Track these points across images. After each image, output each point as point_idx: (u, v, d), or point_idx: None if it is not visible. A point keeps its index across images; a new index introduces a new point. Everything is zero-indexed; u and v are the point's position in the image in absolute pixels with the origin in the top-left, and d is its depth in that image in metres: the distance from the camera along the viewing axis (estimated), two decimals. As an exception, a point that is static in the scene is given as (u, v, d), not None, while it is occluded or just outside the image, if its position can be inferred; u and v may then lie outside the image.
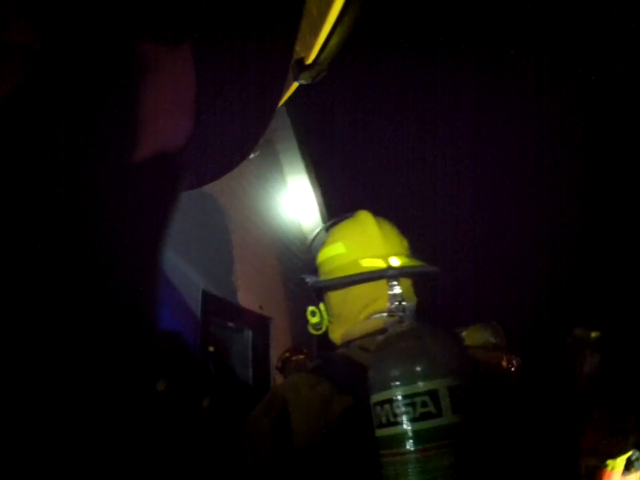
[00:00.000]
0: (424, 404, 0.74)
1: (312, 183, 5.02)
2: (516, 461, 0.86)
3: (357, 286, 1.04)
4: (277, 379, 2.57)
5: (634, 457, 1.48)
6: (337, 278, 1.05)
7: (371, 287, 1.03)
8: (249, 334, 3.45)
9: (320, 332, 1.11)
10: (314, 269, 1.13)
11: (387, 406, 0.77)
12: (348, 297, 1.05)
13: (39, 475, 0.41)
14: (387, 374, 0.78)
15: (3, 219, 0.42)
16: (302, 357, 2.50)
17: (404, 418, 0.75)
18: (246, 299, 3.36)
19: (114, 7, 0.49)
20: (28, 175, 0.44)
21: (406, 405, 0.75)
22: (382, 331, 0.95)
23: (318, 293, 1.11)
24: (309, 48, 0.75)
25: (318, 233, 1.18)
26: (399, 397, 0.76)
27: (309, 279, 1.11)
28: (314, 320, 1.09)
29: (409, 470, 0.73)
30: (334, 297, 1.08)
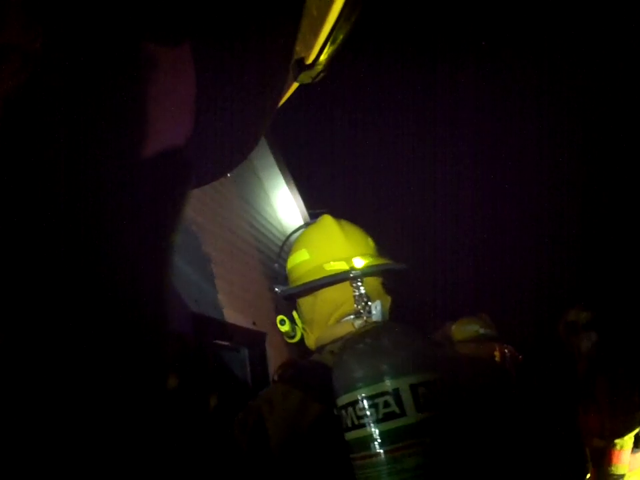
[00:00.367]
0: (386, 404, 0.73)
1: (295, 197, 5.05)
2: (510, 453, 0.85)
3: (324, 290, 1.04)
4: None
5: None
6: (302, 284, 1.06)
7: (337, 290, 1.03)
8: (245, 352, 3.46)
9: (294, 340, 1.11)
10: (285, 279, 1.13)
11: (350, 409, 0.76)
12: (317, 302, 1.06)
13: (44, 474, 0.41)
14: (348, 376, 0.77)
15: (3, 220, 0.42)
16: None
17: (368, 419, 0.73)
18: (238, 317, 3.36)
19: (114, 7, 0.49)
20: (28, 175, 0.44)
21: (369, 407, 0.74)
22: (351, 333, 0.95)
23: (290, 302, 1.11)
24: (309, 48, 0.75)
25: (285, 242, 1.19)
26: (362, 399, 0.74)
27: (278, 289, 1.11)
28: (284, 328, 1.09)
29: (379, 472, 0.72)
30: (304, 303, 1.09)
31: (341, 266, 1.03)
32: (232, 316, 3.23)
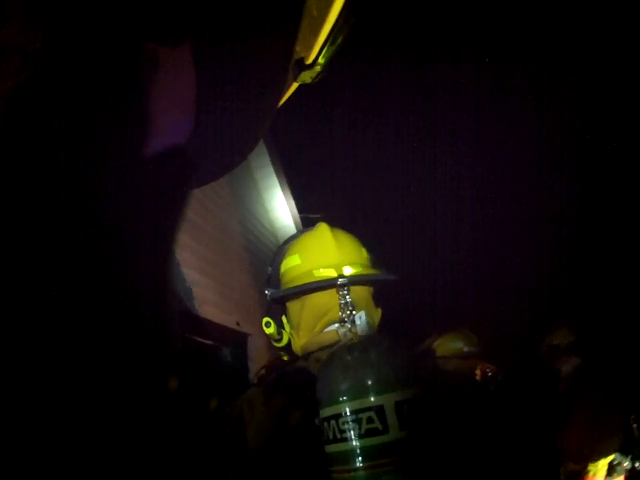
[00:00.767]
0: (369, 420, 0.72)
1: (288, 199, 5.05)
2: (487, 470, 0.85)
3: (311, 296, 1.04)
4: None
5: (615, 462, 1.48)
6: (290, 288, 1.06)
7: (323, 297, 1.03)
8: (227, 352, 3.44)
9: (281, 344, 1.11)
10: (276, 283, 1.14)
11: (333, 422, 0.75)
12: (304, 307, 1.06)
13: (44, 474, 0.41)
14: (333, 388, 0.77)
15: (4, 220, 0.42)
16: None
17: (350, 434, 0.73)
18: (223, 316, 3.35)
19: (114, 7, 0.49)
20: (28, 175, 0.43)
21: (352, 421, 0.73)
22: (338, 343, 0.95)
23: (280, 306, 1.12)
24: (309, 48, 0.75)
25: (280, 247, 1.19)
26: (346, 413, 0.74)
27: (268, 292, 1.12)
28: (269, 331, 1.09)
29: None
30: (292, 307, 1.09)
31: (330, 273, 1.04)
32: (217, 315, 3.22)
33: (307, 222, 5.32)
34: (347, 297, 0.99)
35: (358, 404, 0.73)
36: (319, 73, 0.80)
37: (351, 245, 1.10)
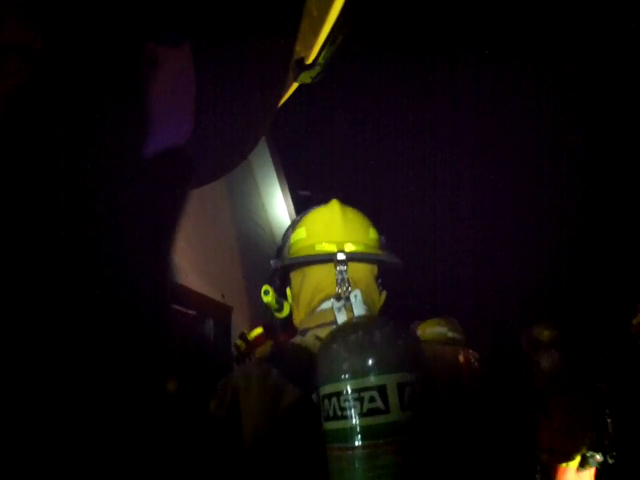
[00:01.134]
0: (372, 399, 0.72)
1: (279, 174, 5.00)
2: (467, 458, 0.85)
3: (311, 269, 1.05)
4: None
5: (589, 454, 1.49)
6: (291, 259, 1.07)
7: (322, 271, 1.04)
8: (210, 323, 3.43)
9: (281, 315, 1.11)
10: (285, 254, 1.14)
11: (334, 399, 0.75)
12: (304, 280, 1.07)
13: (44, 474, 0.41)
14: (335, 366, 0.76)
15: (3, 220, 0.42)
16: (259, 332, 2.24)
17: (351, 412, 0.72)
18: (208, 287, 3.34)
19: (114, 6, 0.49)
20: (28, 175, 0.44)
21: (354, 400, 0.73)
22: (336, 321, 0.95)
23: (285, 277, 1.12)
24: (309, 48, 0.75)
25: (293, 221, 1.20)
26: (347, 391, 0.74)
27: (272, 262, 1.12)
28: (267, 299, 1.10)
29: (354, 466, 0.71)
30: (294, 280, 1.10)
31: (330, 248, 1.04)
32: (201, 286, 3.20)
33: (297, 200, 5.29)
34: (344, 273, 0.99)
35: (360, 382, 0.73)
36: (319, 73, 0.80)
37: (357, 223, 1.10)
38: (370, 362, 0.74)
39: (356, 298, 0.91)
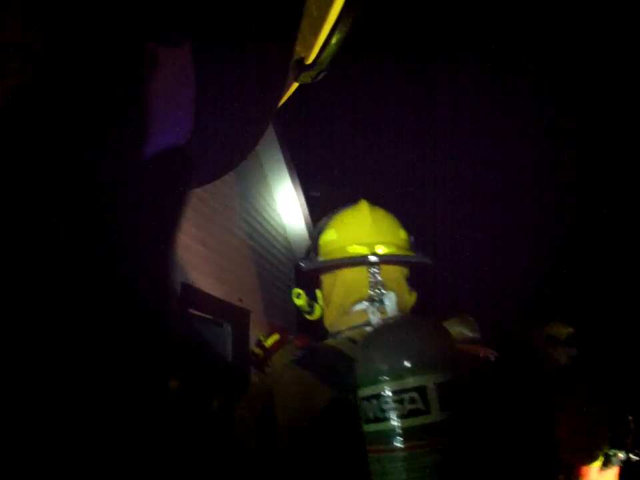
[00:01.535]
0: (412, 400, 0.72)
1: (292, 178, 5.01)
2: (498, 458, 0.85)
3: (343, 272, 1.05)
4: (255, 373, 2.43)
5: (611, 452, 1.48)
6: (322, 261, 1.07)
7: (354, 273, 1.04)
8: (228, 327, 3.43)
9: (312, 317, 1.11)
10: (314, 256, 1.14)
11: (374, 401, 0.75)
12: (336, 282, 1.06)
13: (44, 475, 0.41)
14: (374, 368, 0.77)
15: (3, 220, 0.42)
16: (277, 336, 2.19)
17: (392, 414, 0.73)
18: (225, 291, 3.35)
19: (114, 6, 0.49)
20: (28, 175, 0.44)
21: (394, 401, 0.73)
22: (369, 322, 0.94)
23: (313, 279, 1.12)
24: (309, 48, 0.75)
25: (322, 220, 1.20)
26: (387, 393, 0.74)
27: (303, 264, 1.12)
28: (299, 302, 1.10)
29: (396, 467, 0.72)
30: (325, 282, 1.10)
31: (362, 250, 1.04)
32: (218, 289, 3.21)
33: (311, 201, 5.29)
34: (378, 275, 0.99)
35: (401, 384, 0.74)
36: (319, 73, 0.80)
37: (387, 225, 1.10)
38: (410, 363, 0.74)
39: (390, 300, 0.91)
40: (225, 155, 0.74)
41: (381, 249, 1.03)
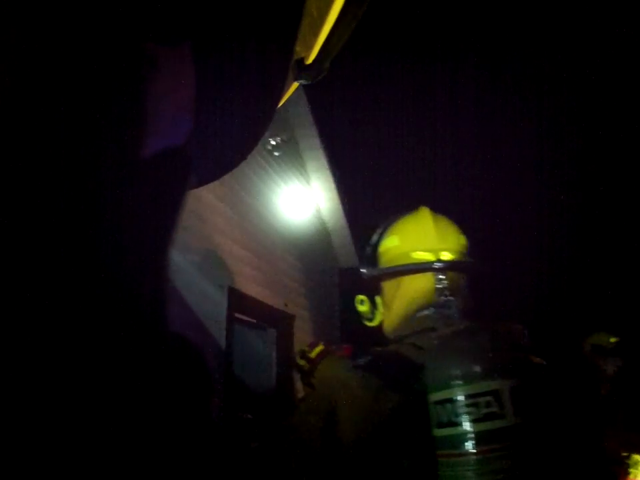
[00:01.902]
0: (488, 404, 0.73)
1: (336, 185, 5.01)
2: (562, 462, 0.85)
3: (407, 278, 1.06)
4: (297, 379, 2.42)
5: None
6: (387, 268, 1.07)
7: (419, 280, 1.05)
8: (273, 332, 3.44)
9: (372, 323, 1.12)
10: (373, 262, 1.14)
11: (448, 405, 0.75)
12: (399, 288, 1.07)
13: (44, 475, 0.41)
14: (448, 373, 0.77)
15: (3, 221, 0.42)
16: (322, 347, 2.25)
17: (467, 418, 0.73)
18: (271, 296, 3.36)
19: (114, 6, 0.48)
20: (28, 176, 0.44)
21: (469, 405, 0.73)
22: (433, 329, 0.94)
23: (374, 285, 1.13)
24: (309, 48, 0.75)
25: (379, 227, 1.20)
26: (462, 397, 0.74)
27: (365, 270, 1.12)
28: (362, 308, 1.10)
29: (468, 471, 0.72)
30: (387, 288, 1.10)
31: (428, 256, 1.05)
32: (263, 293, 3.22)
33: (350, 211, 5.26)
34: (444, 282, 1.00)
35: (476, 388, 0.74)
36: (319, 73, 0.80)
37: (450, 231, 1.11)
38: (484, 368, 0.75)
39: (455, 306, 0.92)
40: (225, 155, 0.74)
41: (446, 256, 1.04)
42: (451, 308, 0.93)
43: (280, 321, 3.53)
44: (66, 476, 0.42)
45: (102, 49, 0.48)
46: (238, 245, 3.04)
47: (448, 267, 1.03)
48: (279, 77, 0.77)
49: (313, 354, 2.13)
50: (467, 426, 0.73)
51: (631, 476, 1.34)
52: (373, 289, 1.14)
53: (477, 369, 0.75)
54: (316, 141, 4.64)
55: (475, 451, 0.72)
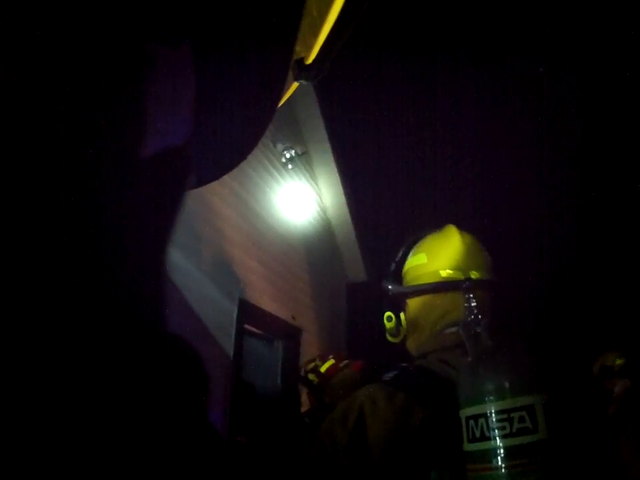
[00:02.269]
0: (521, 419, 0.73)
1: (347, 200, 5.03)
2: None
3: (434, 296, 1.07)
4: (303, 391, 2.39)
5: None
6: (415, 285, 1.08)
7: (447, 298, 1.06)
8: (279, 344, 3.45)
9: (397, 339, 1.13)
10: (398, 279, 1.15)
11: (481, 420, 0.76)
12: (426, 306, 1.08)
13: (43, 475, 0.41)
14: (482, 388, 0.78)
15: (3, 221, 0.42)
16: (340, 361, 2.17)
17: (500, 432, 0.74)
18: (279, 308, 3.37)
19: (114, 6, 0.49)
20: (28, 175, 0.44)
21: (503, 420, 0.74)
22: (460, 345, 0.95)
23: (398, 302, 1.13)
24: (309, 48, 0.75)
25: (405, 244, 1.22)
26: (496, 412, 0.75)
27: (391, 287, 1.13)
28: (389, 325, 1.11)
29: None
30: (412, 305, 1.11)
31: (457, 275, 1.06)
32: (272, 305, 3.22)
33: (360, 227, 5.27)
34: (472, 301, 1.01)
35: (510, 403, 0.75)
36: (319, 73, 0.80)
37: (477, 250, 1.13)
38: (519, 383, 0.76)
39: (484, 324, 0.92)
40: (225, 155, 0.74)
41: (475, 274, 1.06)
42: (479, 326, 0.94)
43: (287, 334, 3.54)
44: (66, 476, 0.42)
45: (102, 49, 0.48)
46: (249, 256, 3.05)
47: (477, 286, 1.04)
48: (279, 77, 0.77)
49: (323, 368, 2.14)
50: (499, 440, 0.74)
51: None
52: (395, 306, 1.14)
53: (512, 384, 0.76)
54: (329, 156, 4.67)
55: (506, 464, 0.73)
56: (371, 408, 0.93)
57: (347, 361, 2.14)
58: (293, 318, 3.60)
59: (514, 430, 0.73)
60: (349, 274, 5.38)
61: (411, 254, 1.16)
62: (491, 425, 0.75)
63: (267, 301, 3.18)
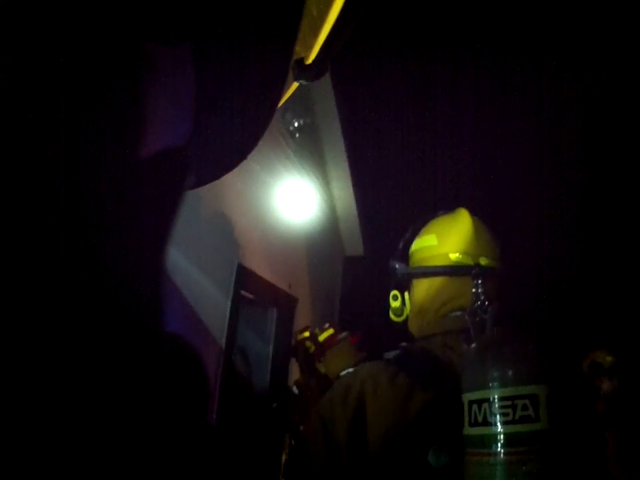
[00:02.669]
0: (524, 407, 0.74)
1: (351, 175, 4.97)
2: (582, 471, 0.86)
3: (441, 279, 1.06)
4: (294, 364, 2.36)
5: None
6: (424, 267, 1.07)
7: (455, 282, 1.05)
8: (273, 312, 3.43)
9: (400, 319, 1.12)
10: (405, 258, 1.14)
11: (484, 405, 0.76)
12: (432, 288, 1.07)
13: (43, 475, 0.41)
14: (487, 374, 0.78)
15: (3, 221, 0.42)
16: (330, 330, 2.22)
17: (502, 419, 0.74)
18: (276, 276, 3.35)
19: (114, 6, 0.49)
20: (28, 175, 0.44)
21: (505, 407, 0.75)
22: (464, 330, 0.95)
23: (404, 282, 1.12)
24: (309, 48, 0.75)
25: (415, 224, 1.20)
26: (500, 398, 0.75)
27: (398, 266, 1.12)
28: (395, 304, 1.10)
29: (497, 471, 0.73)
30: (418, 286, 1.10)
31: (467, 260, 1.05)
32: (269, 273, 3.20)
33: (361, 204, 5.25)
34: (480, 287, 1.00)
35: (514, 390, 0.75)
36: (319, 73, 0.80)
37: (487, 236, 1.12)
38: (525, 371, 0.76)
39: (490, 312, 0.92)
40: (224, 155, 0.74)
41: (484, 261, 1.06)
42: (486, 313, 0.94)
43: (282, 302, 3.52)
44: (66, 476, 0.42)
45: (102, 49, 0.48)
46: (248, 220, 3.02)
47: (486, 273, 1.03)
48: (279, 77, 0.77)
49: (322, 337, 2.13)
50: (500, 426, 0.74)
51: None
52: (399, 285, 1.14)
53: (517, 373, 0.77)
54: (337, 131, 4.60)
55: (506, 451, 0.73)
56: (372, 387, 0.92)
57: (346, 333, 2.14)
58: (289, 286, 3.59)
59: (516, 417, 0.73)
60: (347, 248, 5.36)
61: (420, 234, 1.15)
62: (493, 411, 0.75)
63: (264, 268, 3.15)
